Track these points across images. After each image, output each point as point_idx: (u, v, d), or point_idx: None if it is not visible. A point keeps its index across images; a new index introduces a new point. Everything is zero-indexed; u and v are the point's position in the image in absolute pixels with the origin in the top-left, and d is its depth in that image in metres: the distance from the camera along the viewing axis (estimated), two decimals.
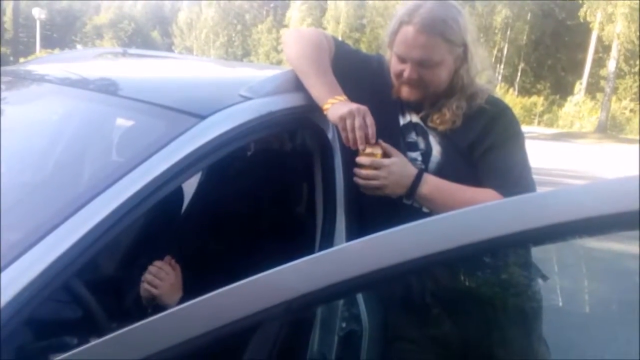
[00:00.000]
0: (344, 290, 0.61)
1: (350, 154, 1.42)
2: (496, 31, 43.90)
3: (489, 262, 1.34)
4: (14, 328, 0.76)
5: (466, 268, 1.33)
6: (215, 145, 1.06)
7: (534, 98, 40.04)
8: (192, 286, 1.33)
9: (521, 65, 43.01)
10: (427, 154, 1.43)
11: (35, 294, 0.79)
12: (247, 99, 1.21)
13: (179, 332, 0.59)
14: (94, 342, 0.65)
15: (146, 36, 62.76)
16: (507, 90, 41.25)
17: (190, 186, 1.81)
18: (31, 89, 1.33)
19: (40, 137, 1.21)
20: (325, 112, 1.33)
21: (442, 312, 1.43)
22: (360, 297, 1.32)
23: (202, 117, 1.08)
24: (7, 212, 0.90)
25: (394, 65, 1.40)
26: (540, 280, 1.44)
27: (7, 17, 25.51)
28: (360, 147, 1.31)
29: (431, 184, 1.34)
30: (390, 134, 1.43)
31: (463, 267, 1.30)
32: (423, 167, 1.41)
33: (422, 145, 1.44)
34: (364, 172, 1.33)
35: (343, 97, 1.34)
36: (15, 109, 1.25)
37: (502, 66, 44.46)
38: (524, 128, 1.58)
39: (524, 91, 42.28)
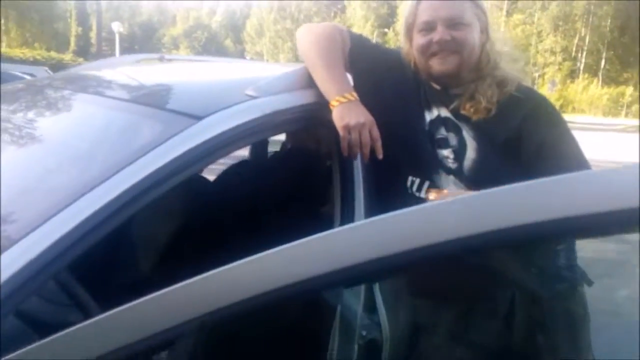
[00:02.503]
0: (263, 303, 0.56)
1: (370, 154, 1.36)
2: (576, 18, 41.55)
3: (530, 263, 1.26)
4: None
5: (498, 269, 1.25)
6: (213, 145, 1.05)
7: (621, 88, 37.53)
8: None
9: (605, 54, 40.33)
10: (460, 151, 1.33)
11: (20, 286, 0.80)
12: (253, 97, 1.19)
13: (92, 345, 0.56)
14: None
15: (219, 44, 65.31)
16: (591, 80, 38.95)
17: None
18: (40, 95, 1.40)
19: (35, 136, 1.25)
20: (331, 108, 1.28)
21: (476, 315, 1.34)
22: (381, 305, 1.26)
23: (199, 118, 1.06)
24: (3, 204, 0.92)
25: (420, 40, 1.32)
26: (585, 285, 1.34)
27: (93, 32, 27.50)
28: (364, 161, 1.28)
29: None
30: (415, 130, 1.35)
31: (495, 265, 1.23)
32: (456, 165, 1.31)
33: (454, 141, 1.34)
34: None
35: (352, 96, 1.28)
36: (24, 111, 1.32)
37: (584, 55, 42.02)
38: (610, 120, 1.47)
39: (610, 81, 39.71)
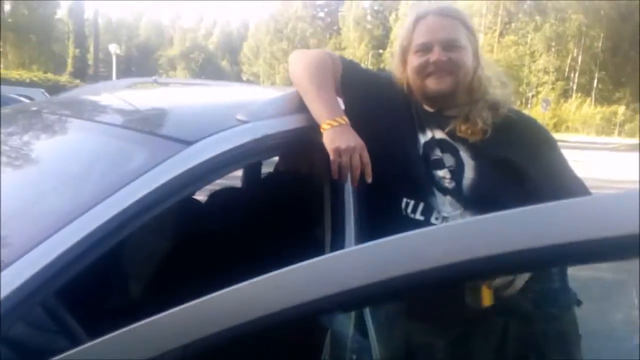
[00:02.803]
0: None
1: (362, 178, 1.37)
2: (569, 39, 42.13)
3: (522, 285, 1.26)
4: None
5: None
6: (203, 170, 1.06)
7: (614, 107, 37.91)
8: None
9: (597, 73, 40.82)
10: (458, 172, 1.34)
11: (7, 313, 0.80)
12: (243, 122, 1.20)
13: None
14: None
15: (216, 65, 65.77)
16: (584, 100, 39.35)
17: None
18: (34, 120, 1.41)
19: (27, 161, 1.26)
20: (322, 132, 1.28)
21: (468, 338, 1.34)
22: (371, 328, 1.26)
23: (189, 143, 1.07)
24: None
25: (416, 61, 1.35)
26: (575, 307, 1.35)
27: (90, 54, 27.70)
28: (353, 185, 1.28)
29: None
30: (409, 152, 1.37)
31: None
32: (453, 184, 1.33)
33: (450, 162, 1.35)
34: None
35: (343, 120, 1.29)
36: (16, 136, 1.32)
37: (576, 75, 42.53)
38: (604, 139, 1.52)
39: (602, 100, 40.13)
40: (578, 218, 0.51)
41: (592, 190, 1.28)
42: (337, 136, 1.25)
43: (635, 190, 0.50)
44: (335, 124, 1.27)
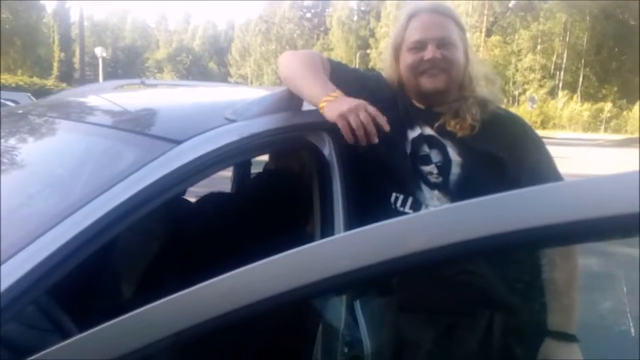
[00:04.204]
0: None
1: (351, 174, 1.38)
2: (553, 37, 42.48)
3: (511, 276, 1.28)
4: None
5: (480, 282, 1.27)
6: (191, 169, 1.06)
7: (600, 104, 38.30)
8: None
9: (582, 71, 41.21)
10: (445, 167, 1.36)
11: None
12: (231, 121, 1.21)
13: None
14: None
15: (203, 67, 65.44)
16: (571, 97, 39.71)
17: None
18: (22, 122, 1.41)
19: (15, 162, 1.26)
20: (321, 112, 1.27)
21: (458, 329, 1.36)
22: (362, 321, 1.27)
23: (178, 142, 1.08)
24: None
25: (409, 59, 1.37)
26: None
27: (76, 58, 27.47)
28: (374, 140, 1.23)
29: None
30: (397, 147, 1.39)
31: (477, 279, 1.25)
32: (440, 179, 1.35)
33: (437, 158, 1.37)
34: None
35: (338, 93, 1.29)
36: (4, 138, 1.32)
37: (562, 73, 42.91)
38: (590, 135, 1.55)
39: (588, 97, 40.51)
40: (556, 201, 0.54)
41: None
42: (336, 105, 1.24)
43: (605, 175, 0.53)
44: (331, 98, 1.27)
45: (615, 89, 39.51)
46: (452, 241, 0.55)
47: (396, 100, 1.44)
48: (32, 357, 0.70)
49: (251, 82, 52.20)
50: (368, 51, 46.37)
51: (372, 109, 1.23)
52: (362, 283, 0.71)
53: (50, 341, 1.02)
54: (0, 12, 30.99)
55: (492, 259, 1.14)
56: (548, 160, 1.38)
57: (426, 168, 1.37)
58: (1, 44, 30.22)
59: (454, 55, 1.35)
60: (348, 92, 1.41)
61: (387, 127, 1.24)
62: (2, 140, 1.28)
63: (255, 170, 2.40)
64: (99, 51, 22.96)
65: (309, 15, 61.50)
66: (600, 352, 1.39)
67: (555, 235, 0.54)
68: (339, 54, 49.11)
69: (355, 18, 55.45)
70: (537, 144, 1.40)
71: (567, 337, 1.30)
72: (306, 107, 1.42)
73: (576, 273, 1.35)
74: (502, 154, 1.32)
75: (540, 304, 1.36)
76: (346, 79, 1.46)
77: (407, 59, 1.37)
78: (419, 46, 1.35)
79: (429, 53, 1.33)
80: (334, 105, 1.24)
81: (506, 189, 0.62)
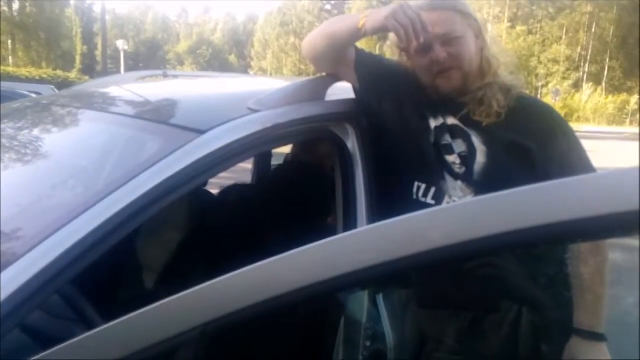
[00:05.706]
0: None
1: (373, 164, 1.36)
2: (579, 27, 41.64)
3: (535, 272, 1.26)
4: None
5: (504, 278, 1.25)
6: (215, 159, 1.06)
7: (625, 96, 37.47)
8: None
9: (608, 63, 40.32)
10: (469, 157, 1.34)
11: (22, 303, 0.80)
12: (254, 111, 1.20)
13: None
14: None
15: (224, 60, 65.76)
16: (595, 89, 38.93)
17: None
18: (45, 112, 1.42)
19: (39, 152, 1.27)
20: (364, 31, 1.30)
21: (481, 325, 1.33)
22: (384, 314, 1.26)
23: (202, 132, 1.08)
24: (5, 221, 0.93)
25: (421, 62, 1.35)
26: None
27: (98, 51, 27.89)
28: (422, 39, 1.25)
29: None
30: (420, 136, 1.37)
31: (500, 274, 1.23)
32: (464, 169, 1.32)
33: (461, 147, 1.35)
34: None
35: (369, 12, 1.32)
36: (28, 128, 1.33)
37: (587, 65, 42.05)
38: (615, 128, 1.50)
39: (613, 89, 39.65)
40: (583, 195, 0.52)
41: None
42: (376, 15, 1.28)
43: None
44: (366, 13, 1.31)
45: None
46: (478, 236, 0.53)
47: (420, 88, 1.41)
48: (58, 346, 0.70)
49: (271, 74, 52.36)
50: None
51: (410, 11, 1.24)
52: (388, 277, 0.70)
53: (74, 331, 1.03)
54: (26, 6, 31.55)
55: (518, 254, 1.11)
56: (579, 150, 1.34)
57: (449, 158, 1.34)
58: (25, 38, 30.79)
59: (461, 49, 1.32)
60: (372, 76, 1.40)
61: (429, 28, 1.25)
62: (27, 131, 1.29)
63: (275, 162, 2.39)
64: (120, 44, 23.23)
65: (328, 7, 61.27)
66: (624, 348, 1.35)
67: (584, 230, 0.51)
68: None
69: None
70: (567, 133, 1.35)
71: (595, 336, 1.27)
72: (329, 97, 1.40)
73: (605, 269, 1.31)
74: (529, 144, 1.29)
75: (566, 300, 1.33)
76: (372, 62, 1.46)
77: (417, 62, 1.36)
78: (425, 47, 1.32)
79: (435, 55, 1.31)
80: (375, 17, 1.27)
81: (533, 179, 0.60)
